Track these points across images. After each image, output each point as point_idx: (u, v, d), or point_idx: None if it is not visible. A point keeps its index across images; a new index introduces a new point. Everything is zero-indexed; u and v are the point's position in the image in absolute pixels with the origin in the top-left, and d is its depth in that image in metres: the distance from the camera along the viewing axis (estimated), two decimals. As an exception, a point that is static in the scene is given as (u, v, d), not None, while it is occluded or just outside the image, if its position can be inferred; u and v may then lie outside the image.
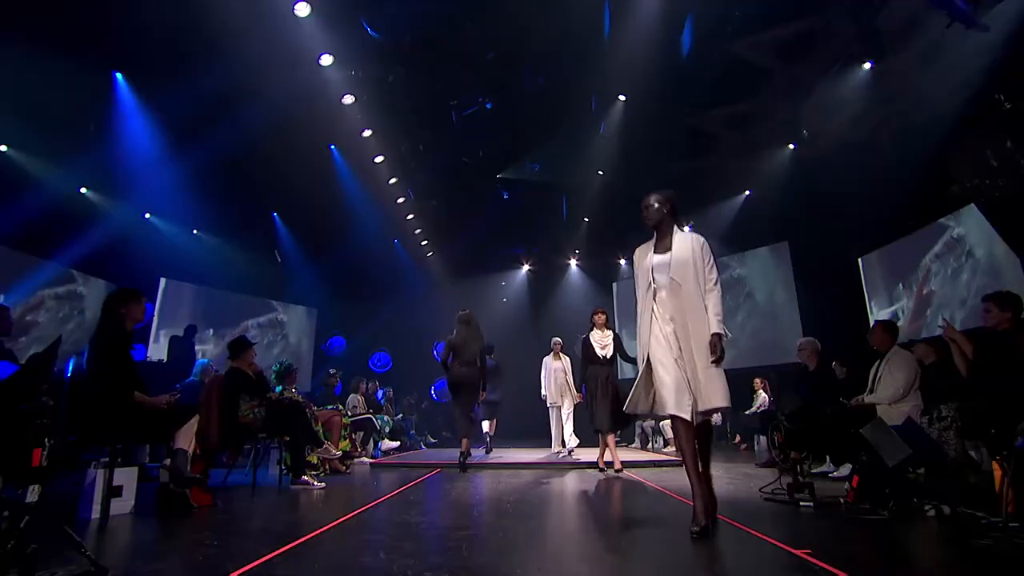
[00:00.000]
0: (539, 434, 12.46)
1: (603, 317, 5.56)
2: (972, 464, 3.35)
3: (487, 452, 7.21)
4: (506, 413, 11.97)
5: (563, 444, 6.65)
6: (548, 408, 7.06)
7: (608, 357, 5.40)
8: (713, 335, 2.64)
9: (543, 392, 7.04)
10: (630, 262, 14.18)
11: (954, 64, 6.16)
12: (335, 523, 2.76)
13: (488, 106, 8.49)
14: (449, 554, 2.21)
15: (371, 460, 6.54)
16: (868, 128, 7.77)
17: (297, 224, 10.78)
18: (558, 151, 9.79)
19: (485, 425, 7.81)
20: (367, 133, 8.49)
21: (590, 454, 6.61)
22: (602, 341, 5.46)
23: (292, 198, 9.89)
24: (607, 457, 5.40)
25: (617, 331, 5.71)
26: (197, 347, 8.95)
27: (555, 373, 6.91)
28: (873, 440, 3.04)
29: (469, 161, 9.82)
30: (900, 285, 7.97)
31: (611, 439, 5.37)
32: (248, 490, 4.14)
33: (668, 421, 9.25)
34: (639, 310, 2.85)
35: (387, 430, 7.91)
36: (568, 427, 6.62)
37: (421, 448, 9.21)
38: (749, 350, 10.39)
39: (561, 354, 7.05)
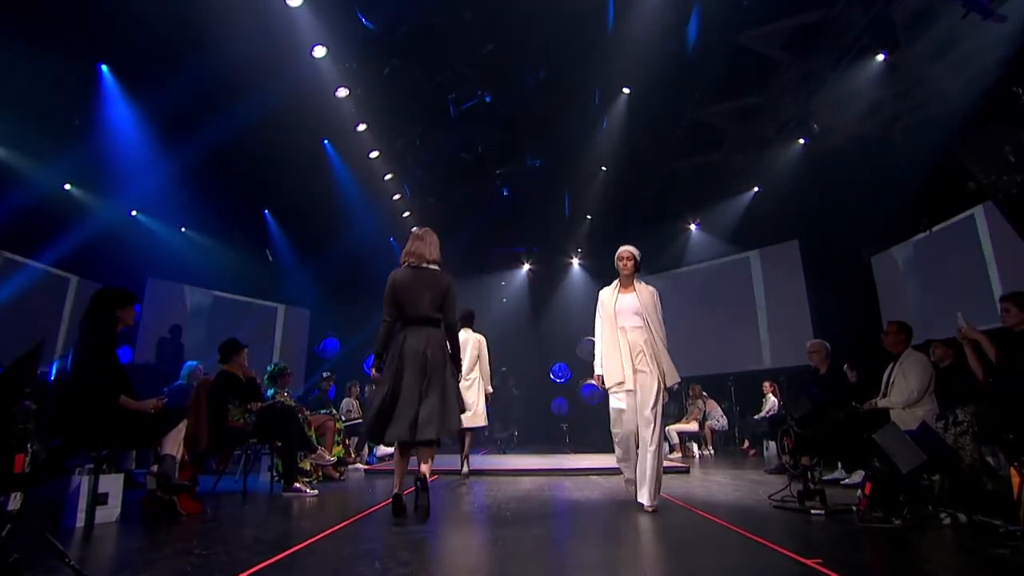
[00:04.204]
0: (544, 439, 12.47)
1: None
2: (989, 470, 3.35)
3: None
4: (508, 415, 12.02)
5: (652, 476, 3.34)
6: (608, 395, 3.65)
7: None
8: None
9: (598, 367, 3.69)
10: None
11: (970, 56, 6.16)
12: (328, 531, 2.76)
13: (487, 99, 8.48)
14: (446, 563, 2.21)
15: (366, 466, 6.54)
16: (881, 122, 7.77)
17: (289, 222, 10.77)
18: (560, 146, 9.79)
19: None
20: (362, 127, 8.48)
21: (594, 460, 6.57)
22: None
23: (284, 195, 9.89)
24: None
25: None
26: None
27: (627, 319, 3.65)
28: (886, 445, 3.04)
29: (468, 157, 9.81)
30: (914, 285, 7.97)
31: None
32: (238, 497, 4.14)
33: (674, 427, 9.26)
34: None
35: (382, 435, 7.89)
36: (656, 430, 3.41)
37: (418, 454, 9.19)
38: (757, 353, 10.39)
39: (637, 281, 3.78)
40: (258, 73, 6.74)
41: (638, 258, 3.81)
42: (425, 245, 3.43)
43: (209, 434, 4.14)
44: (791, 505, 3.39)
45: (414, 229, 3.56)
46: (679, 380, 3.62)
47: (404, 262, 3.45)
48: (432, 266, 3.43)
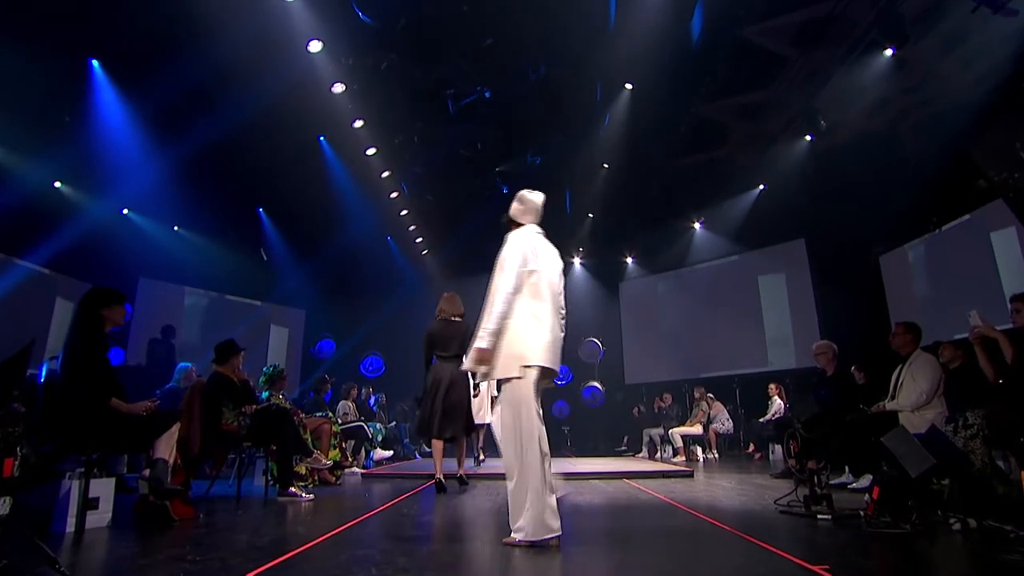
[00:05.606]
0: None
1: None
2: (1000, 474, 3.35)
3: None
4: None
5: None
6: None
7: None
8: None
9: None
10: (636, 260, 14.16)
11: (980, 50, 6.16)
12: (324, 537, 2.76)
13: (487, 95, 8.48)
14: (445, 570, 2.21)
15: (362, 470, 6.55)
16: (889, 119, 7.77)
17: (284, 220, 10.77)
18: (561, 143, 9.78)
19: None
20: (358, 124, 8.48)
21: (596, 464, 6.59)
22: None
23: (279, 193, 9.88)
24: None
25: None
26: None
27: None
28: (895, 449, 3.04)
29: (467, 154, 9.81)
30: (923, 285, 7.97)
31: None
32: (232, 502, 4.14)
33: (678, 430, 9.27)
34: None
35: (379, 439, 7.91)
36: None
37: (416, 458, 9.21)
38: (763, 354, 10.39)
39: None
40: (252, 68, 6.74)
41: (510, 212, 3.02)
42: (453, 305, 5.04)
43: (202, 437, 4.13)
44: (797, 510, 3.39)
45: (444, 294, 5.18)
46: (477, 368, 2.78)
47: (438, 316, 5.00)
48: (457, 318, 4.98)
